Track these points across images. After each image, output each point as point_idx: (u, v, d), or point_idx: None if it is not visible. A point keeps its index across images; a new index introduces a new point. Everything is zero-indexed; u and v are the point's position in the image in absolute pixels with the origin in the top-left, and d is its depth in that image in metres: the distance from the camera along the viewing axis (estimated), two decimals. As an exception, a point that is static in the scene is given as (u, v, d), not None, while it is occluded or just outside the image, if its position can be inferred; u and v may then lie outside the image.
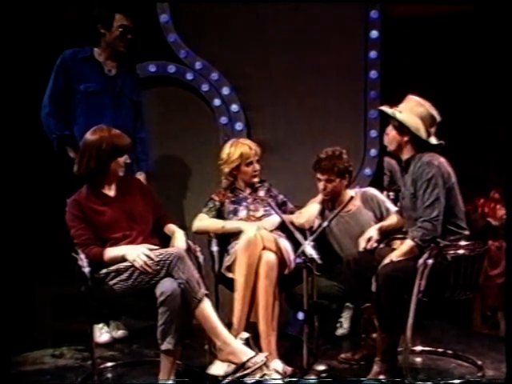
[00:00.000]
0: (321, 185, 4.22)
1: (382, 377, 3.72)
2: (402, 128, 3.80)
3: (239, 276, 3.94)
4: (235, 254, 4.04)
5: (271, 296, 3.90)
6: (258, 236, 3.99)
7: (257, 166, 4.35)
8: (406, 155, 3.84)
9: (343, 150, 4.19)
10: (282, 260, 4.02)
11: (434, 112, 3.83)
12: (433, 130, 3.83)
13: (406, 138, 3.81)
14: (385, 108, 3.88)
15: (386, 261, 3.76)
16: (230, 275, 4.08)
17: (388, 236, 4.03)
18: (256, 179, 4.37)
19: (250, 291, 3.91)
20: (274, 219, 4.21)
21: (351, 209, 4.26)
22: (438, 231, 3.71)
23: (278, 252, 4.01)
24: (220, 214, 4.33)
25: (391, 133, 3.86)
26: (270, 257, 3.95)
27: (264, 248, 3.98)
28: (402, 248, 3.78)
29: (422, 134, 3.78)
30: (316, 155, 4.23)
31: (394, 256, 3.75)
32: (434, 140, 3.81)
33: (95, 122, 4.18)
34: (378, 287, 3.70)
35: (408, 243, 3.75)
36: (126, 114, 4.49)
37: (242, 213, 4.30)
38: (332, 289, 4.11)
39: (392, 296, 3.66)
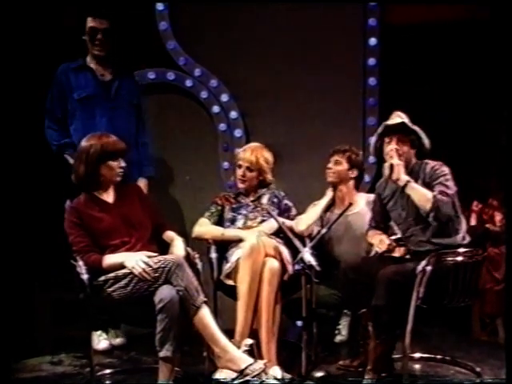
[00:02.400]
0: (329, 164, 4.31)
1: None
2: (415, 140, 3.89)
3: (243, 283, 3.92)
4: (236, 261, 4.03)
5: (273, 302, 3.89)
6: (260, 243, 3.98)
7: (241, 172, 4.32)
8: (409, 166, 3.89)
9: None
10: (282, 266, 4.01)
11: None
12: None
13: (414, 150, 3.91)
14: (404, 119, 3.89)
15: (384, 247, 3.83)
16: (229, 282, 4.07)
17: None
18: (242, 185, 4.34)
19: (254, 298, 3.90)
20: (273, 223, 4.20)
21: (352, 210, 4.25)
22: (452, 211, 3.76)
23: (279, 258, 4.01)
24: (222, 219, 4.32)
25: (403, 148, 3.87)
26: (273, 264, 3.94)
27: (266, 255, 3.97)
28: (420, 187, 3.78)
29: (427, 143, 3.89)
30: None
31: (411, 183, 3.76)
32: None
33: (92, 126, 4.24)
34: (377, 291, 3.69)
35: (427, 192, 3.74)
36: (126, 117, 4.50)
37: (240, 222, 4.28)
38: (330, 298, 4.12)
39: (391, 300, 3.65)
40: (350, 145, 4.38)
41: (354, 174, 4.33)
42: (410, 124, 3.89)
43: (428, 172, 3.85)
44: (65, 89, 4.45)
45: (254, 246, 3.95)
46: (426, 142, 3.89)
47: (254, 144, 4.50)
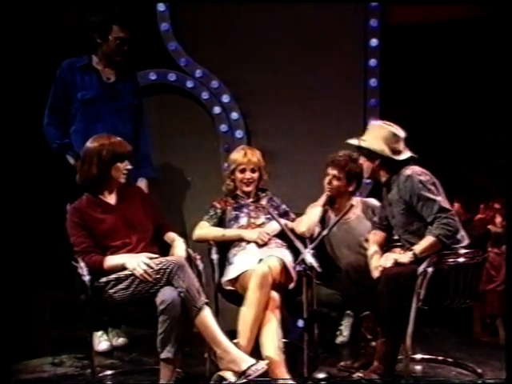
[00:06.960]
0: (327, 179, 4.27)
1: (374, 376, 3.71)
2: (370, 154, 3.90)
3: (249, 311, 3.84)
4: (242, 272, 3.99)
5: (276, 326, 3.84)
6: (268, 271, 3.89)
7: (248, 175, 4.31)
8: (383, 177, 3.92)
9: (361, 156, 4.05)
10: (287, 276, 4.00)
11: (396, 130, 3.89)
12: (400, 146, 3.88)
13: (377, 162, 3.90)
14: (350, 140, 3.97)
15: (389, 263, 3.75)
16: (229, 288, 4.06)
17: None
18: (249, 188, 4.33)
19: (258, 325, 3.84)
20: (275, 225, 4.19)
21: (351, 217, 4.27)
22: (457, 226, 3.76)
23: (284, 275, 3.98)
24: (221, 222, 4.31)
25: (365, 162, 3.94)
26: (276, 297, 3.90)
27: (274, 281, 3.90)
28: (423, 244, 3.73)
29: (388, 153, 3.85)
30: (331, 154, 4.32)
31: (417, 250, 3.71)
32: (403, 156, 3.86)
33: (95, 129, 4.23)
34: (379, 291, 3.70)
35: (430, 239, 3.72)
36: (127, 119, 4.51)
37: (243, 220, 4.28)
38: (331, 297, 4.12)
39: (393, 300, 3.66)
40: (350, 153, 4.24)
41: (352, 187, 4.30)
42: (354, 142, 3.93)
43: (402, 187, 3.81)
44: (69, 86, 4.44)
45: (264, 274, 3.87)
46: (382, 152, 3.84)
47: (246, 146, 4.55)
